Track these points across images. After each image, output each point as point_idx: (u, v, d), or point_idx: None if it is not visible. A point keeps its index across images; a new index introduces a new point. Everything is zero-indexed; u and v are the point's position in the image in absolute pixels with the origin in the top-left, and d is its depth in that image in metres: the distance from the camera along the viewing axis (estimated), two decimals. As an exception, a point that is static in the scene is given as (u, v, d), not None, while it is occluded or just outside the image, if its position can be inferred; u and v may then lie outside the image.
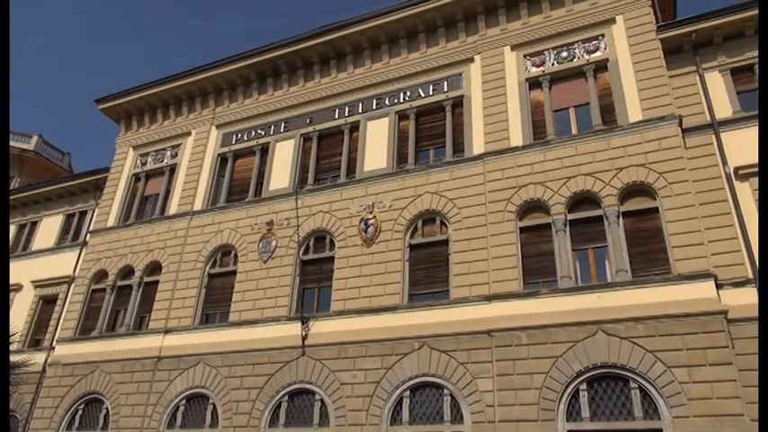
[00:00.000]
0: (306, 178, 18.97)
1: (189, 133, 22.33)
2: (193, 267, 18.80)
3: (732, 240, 13.12)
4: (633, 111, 14.95)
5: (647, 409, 11.94)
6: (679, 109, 14.84)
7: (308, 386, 15.25)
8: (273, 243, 17.89)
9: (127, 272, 20.27)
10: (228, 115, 21.76)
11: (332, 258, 16.88)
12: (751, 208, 13.32)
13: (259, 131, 20.74)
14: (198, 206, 20.31)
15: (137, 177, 22.75)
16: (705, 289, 12.41)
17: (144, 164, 22.86)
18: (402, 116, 18.33)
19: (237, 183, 20.39)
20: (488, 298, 14.12)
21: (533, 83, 16.75)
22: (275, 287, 17.10)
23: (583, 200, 14.58)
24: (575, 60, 16.45)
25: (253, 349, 16.26)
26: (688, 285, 12.53)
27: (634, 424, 11.95)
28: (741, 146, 13.89)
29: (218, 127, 21.82)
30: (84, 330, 19.94)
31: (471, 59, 17.88)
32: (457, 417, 13.33)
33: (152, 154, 22.83)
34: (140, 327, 19.08)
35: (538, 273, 14.17)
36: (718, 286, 12.57)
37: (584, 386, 12.55)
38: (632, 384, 12.19)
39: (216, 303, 18.21)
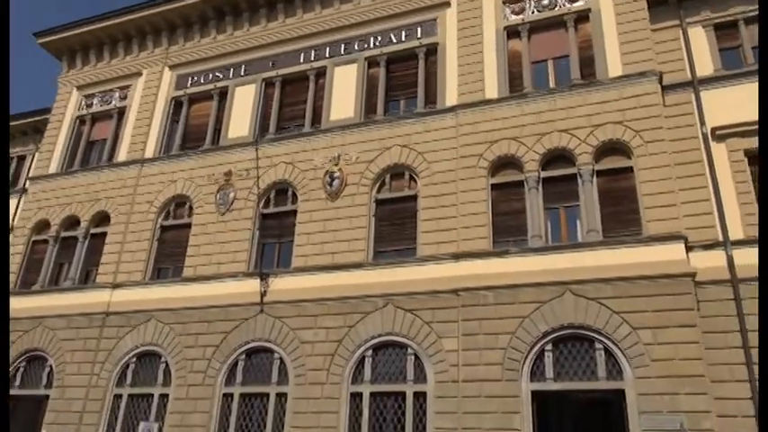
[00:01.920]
0: (267, 126, 18.77)
1: (139, 74, 21.71)
2: (144, 219, 18.60)
3: (704, 202, 13.62)
4: (613, 65, 15.13)
5: (610, 370, 12.48)
6: (660, 65, 15.07)
7: (267, 344, 15.45)
8: (231, 195, 17.77)
9: (71, 222, 19.94)
10: (183, 55, 21.20)
11: (294, 212, 16.90)
12: (725, 170, 13.80)
13: (217, 74, 20.30)
14: (149, 153, 19.95)
15: (81, 120, 22.14)
16: (675, 251, 12.88)
17: (89, 106, 22.21)
18: (372, 63, 18.17)
19: (193, 129, 20.05)
20: (456, 256, 14.38)
21: (512, 32, 16.74)
22: (233, 241, 17.09)
23: (557, 157, 14.84)
24: (556, 9, 16.47)
25: (208, 306, 16.34)
26: (658, 247, 12.98)
27: (597, 384, 12.51)
28: (720, 106, 14.27)
29: (171, 68, 21.26)
30: (25, 284, 19.69)
31: (447, 3, 17.72)
32: (420, 376, 13.72)
33: (98, 95, 22.18)
34: (87, 281, 18.93)
35: (508, 231, 14.48)
36: (688, 248, 13.09)
37: (549, 347, 13.00)
38: (597, 345, 12.69)
39: (169, 257, 18.14)
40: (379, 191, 16.34)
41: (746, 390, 11.89)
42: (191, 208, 18.46)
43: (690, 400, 11.62)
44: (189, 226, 18.12)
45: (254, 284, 16.05)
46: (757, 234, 12.87)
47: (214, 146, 19.15)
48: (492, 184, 15.12)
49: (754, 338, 12.12)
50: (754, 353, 12.03)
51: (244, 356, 15.69)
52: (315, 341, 14.83)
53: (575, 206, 14.32)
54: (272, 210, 17.41)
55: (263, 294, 15.82)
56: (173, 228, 18.55)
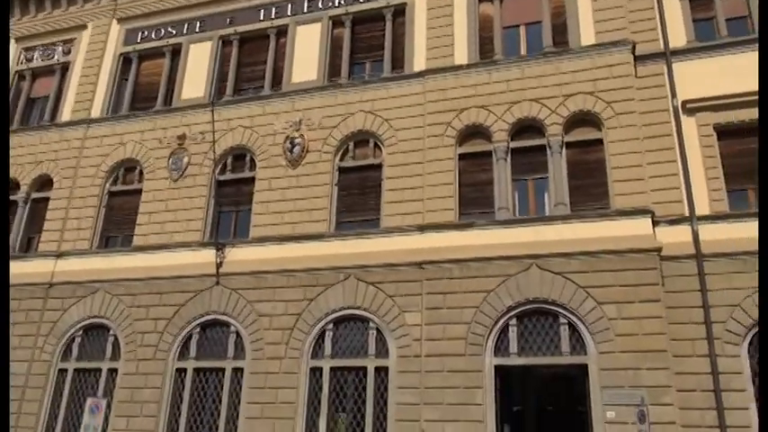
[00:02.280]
0: (224, 88, 18.11)
1: (85, 26, 20.60)
2: (91, 184, 17.87)
3: (672, 177, 13.69)
4: (586, 33, 14.98)
5: (574, 345, 12.65)
6: (633, 35, 14.91)
7: (223, 317, 15.17)
8: (185, 160, 17.19)
9: (10, 186, 18.98)
10: (133, 8, 20.17)
11: (252, 179, 16.45)
12: (695, 145, 13.86)
13: (170, 30, 19.41)
14: (96, 113, 19.07)
15: (21, 75, 20.99)
16: (642, 225, 13.00)
17: (30, 60, 21.04)
18: (336, 22, 17.61)
19: (144, 89, 19.22)
20: (422, 228, 14.24)
21: (484, -6, 16.34)
22: (187, 209, 16.59)
23: (527, 127, 14.72)
24: (529, -28, 16.13)
25: (160, 277, 15.89)
26: (625, 221, 13.08)
27: (561, 359, 12.68)
28: (692, 78, 14.23)
29: (120, 21, 20.23)
30: (-40, 251, 18.74)
31: (418, -39, 17.17)
32: (382, 351, 13.70)
33: (40, 49, 21.00)
34: (28, 249, 18.20)
35: (475, 203, 14.38)
36: (654, 223, 13.19)
37: (513, 321, 13.08)
38: (562, 320, 12.81)
39: (118, 225, 17.53)
40: (342, 159, 16.00)
41: (707, 365, 12.13)
42: (141, 173, 17.79)
43: (651, 375, 11.87)
44: (139, 192, 17.47)
45: (209, 255, 15.65)
46: (724, 210, 13.23)
47: (166, 107, 18.41)
48: (459, 154, 14.93)
49: (716, 314, 12.39)
50: (716, 328, 12.31)
51: (198, 330, 15.37)
52: (273, 314, 14.60)
53: (543, 178, 14.28)
54: (228, 176, 16.91)
55: (218, 265, 15.44)
56: (122, 194, 17.87)
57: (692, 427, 11.72)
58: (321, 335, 14.15)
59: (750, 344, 12.21)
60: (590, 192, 13.74)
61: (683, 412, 11.80)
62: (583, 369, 12.50)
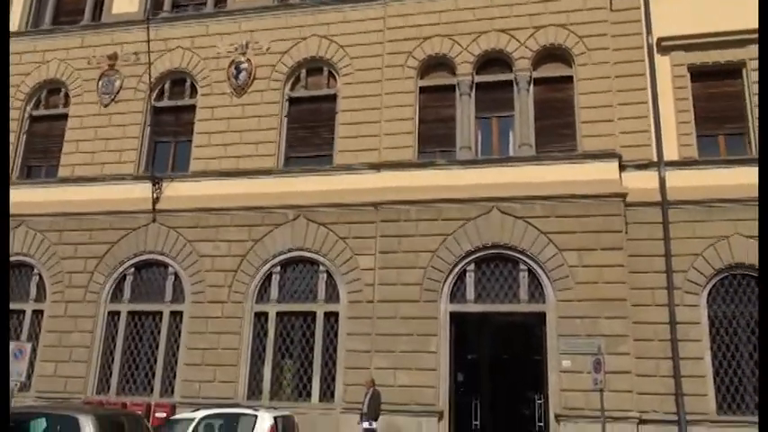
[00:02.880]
0: (161, 3, 16.85)
1: (-2, -76, 18.68)
2: (9, 107, 16.61)
3: (642, 119, 13.51)
4: (561, -41, 14.40)
5: (533, 292, 12.73)
6: (610, -36, 14.45)
7: (160, 257, 14.64)
8: (117, 83, 16.11)
9: None
10: None
11: (193, 107, 15.59)
12: (667, 86, 13.65)
13: (98, -67, 17.80)
14: (14, 26, 17.49)
15: (-77, -21, 19.01)
16: (608, 170, 12.93)
17: (-67, -39, 19.05)
18: (289, -66, 16.42)
19: (69, 0, 17.73)
20: (377, 166, 13.87)
21: None
22: (119, 138, 15.63)
23: (493, 60, 14.26)
24: None
25: (90, 212, 15.08)
26: (592, 165, 12.98)
27: (518, 307, 12.75)
28: (669, 15, 13.90)
29: None
30: None
31: None
32: (332, 296, 13.55)
33: (-55, -52, 19.01)
34: (-62, 178, 16.94)
35: (435, 141, 14.04)
36: (621, 168, 13.11)
37: (471, 267, 13.03)
38: (521, 266, 12.83)
39: (41, 154, 16.47)
40: (292, 88, 15.27)
41: (665, 314, 12.31)
42: (67, 96, 16.60)
43: (609, 324, 12.05)
44: (65, 117, 16.35)
45: (144, 189, 14.88)
46: (693, 156, 13.18)
47: (95, 22, 17.06)
48: (420, 87, 14.40)
49: (678, 263, 12.51)
50: (677, 277, 12.46)
51: (133, 270, 14.81)
52: (215, 255, 14.17)
53: (508, 117, 13.95)
54: (166, 103, 15.96)
55: (155, 201, 14.77)
56: (45, 119, 16.72)
57: (647, 377, 11.98)
58: (267, 278, 13.98)
59: (709, 294, 12.48)
60: (557, 132, 13.52)
61: (639, 361, 12.03)
62: (540, 317, 12.60)
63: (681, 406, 11.73)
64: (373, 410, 11.62)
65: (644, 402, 11.80)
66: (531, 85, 13.91)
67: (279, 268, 13.94)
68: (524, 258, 12.77)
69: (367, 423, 11.52)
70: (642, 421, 11.60)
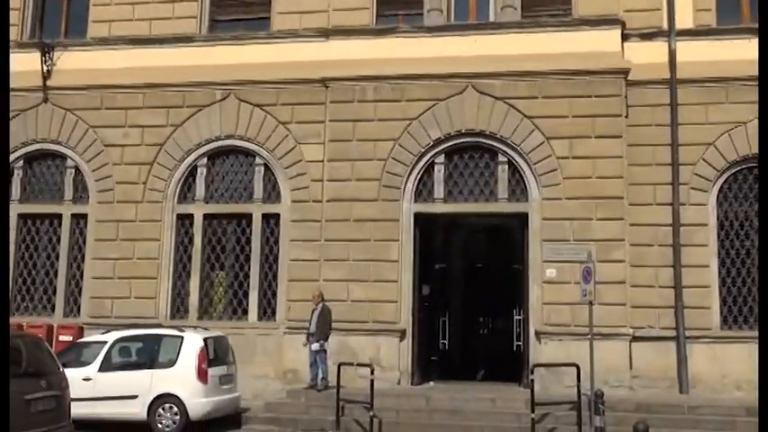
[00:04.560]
0: None
1: None
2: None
3: (651, -24, 12.87)
4: None
5: (514, 189, 12.64)
6: None
7: (55, 147, 14.08)
8: None
9: None
10: None
11: (90, -48, 14.30)
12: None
13: None
14: None
15: None
16: (608, 39, 12.63)
17: None
18: None
19: None
20: (326, 33, 13.38)
21: None
22: (-5, -5, 14.39)
23: None
24: None
25: (-38, 89, 14.04)
26: (588, 33, 12.64)
27: (496, 206, 12.69)
28: None
29: None
30: None
31: None
32: (272, 194, 13.39)
33: None
34: None
35: (398, 1, 13.53)
36: (624, 37, 12.75)
37: (441, 159, 12.84)
38: (501, 158, 12.67)
39: None
40: (219, -72, 14.11)
41: (667, 215, 12.17)
42: None
43: (603, 227, 12.02)
44: None
45: (31, 60, 13.92)
46: (711, 23, 12.75)
47: None
48: (380, -71, 13.44)
49: (685, 154, 12.28)
50: (684, 171, 12.26)
51: (21, 163, 14.17)
52: (125, 144, 13.69)
53: (489, -31, 13.23)
54: (54, -55, 14.63)
55: (45, 75, 14.01)
56: None
57: (643, 287, 12.04)
58: (191, 172, 13.68)
59: (719, 191, 12.39)
60: (548, -9, 12.97)
61: (635, 270, 12.06)
62: (522, 219, 12.56)
63: (680, 320, 11.83)
64: (322, 330, 11.53)
65: (638, 317, 11.94)
66: (519, -72, 13.06)
67: (205, 160, 13.60)
68: (504, 148, 12.57)
69: (316, 344, 11.47)
70: (635, 338, 11.81)
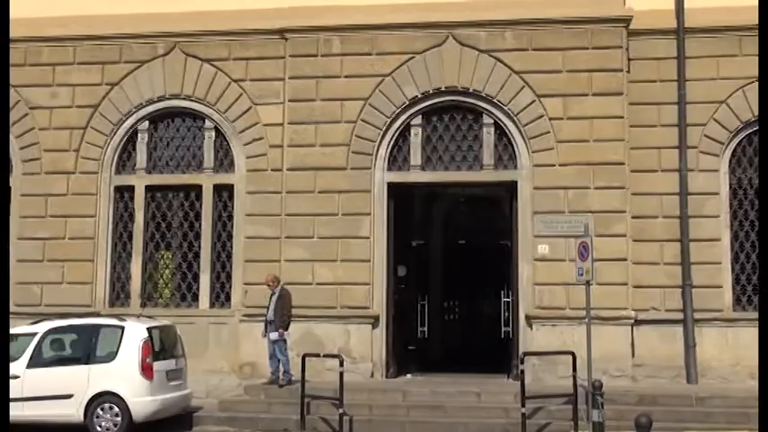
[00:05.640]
0: None
1: None
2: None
3: None
4: None
5: (500, 155, 12.60)
6: None
7: None
8: None
9: None
10: None
11: None
12: None
13: None
14: None
15: None
16: (608, -20, 12.40)
17: None
18: None
19: None
20: (285, -25, 12.91)
21: None
22: None
23: None
24: None
25: None
26: (586, -28, 12.35)
27: (481, 175, 12.65)
28: None
29: None
30: None
31: None
32: (225, 162, 13.36)
33: None
34: None
35: (369, -68, 13.10)
36: (626, -22, 12.53)
37: (418, 120, 12.78)
38: (486, 120, 12.62)
39: None
40: None
41: (674, 182, 12.13)
42: None
43: (601, 197, 12.00)
44: None
45: (-59, 9, 13.43)
46: None
47: None
48: None
49: (694, 113, 12.22)
50: (692, 133, 12.19)
51: None
52: (53, 106, 13.50)
53: None
54: None
55: None
56: None
57: (647, 264, 12.05)
58: (131, 138, 13.63)
59: (733, 155, 12.32)
60: None
61: (638, 245, 12.07)
62: (510, 189, 12.55)
63: (688, 301, 11.83)
64: (281, 316, 11.42)
65: (641, 298, 11.95)
66: None
67: (147, 124, 13.54)
68: (490, 108, 12.54)
69: (275, 333, 11.33)
70: (638, 322, 11.83)
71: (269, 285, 11.67)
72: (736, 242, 12.13)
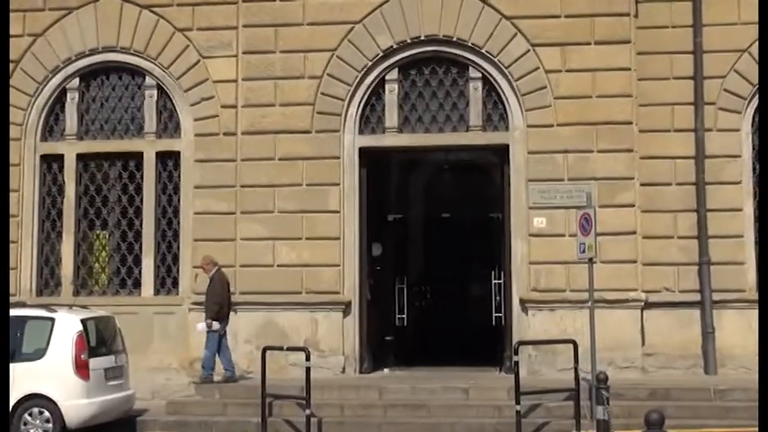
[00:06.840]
0: None
1: None
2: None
3: None
4: None
5: (489, 114, 12.50)
6: None
7: None
8: None
9: None
10: None
11: None
12: None
13: None
14: None
15: None
16: None
17: None
18: None
19: None
20: None
21: None
22: None
23: None
24: None
25: None
26: None
27: (467, 137, 12.57)
28: None
29: None
30: None
31: None
32: (169, 126, 13.35)
33: None
34: None
35: None
36: None
37: (394, 75, 12.68)
38: (473, 73, 12.52)
39: None
40: None
41: (689, 144, 12.07)
42: None
43: (606, 161, 11.91)
44: None
45: None
46: None
47: None
48: None
49: (712, 64, 12.18)
50: (710, 86, 12.09)
51: None
52: None
53: None
54: None
55: None
56: None
57: (658, 239, 12.01)
58: (59, 99, 13.57)
59: (755, 113, 12.16)
60: None
61: (648, 217, 12.00)
62: (501, 154, 12.48)
63: (706, 281, 11.81)
64: (210, 305, 11.42)
65: (652, 277, 11.91)
66: None
67: (77, 82, 13.47)
68: (477, 60, 12.48)
69: (201, 324, 11.38)
70: (649, 305, 11.80)
71: (204, 269, 11.58)
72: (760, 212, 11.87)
